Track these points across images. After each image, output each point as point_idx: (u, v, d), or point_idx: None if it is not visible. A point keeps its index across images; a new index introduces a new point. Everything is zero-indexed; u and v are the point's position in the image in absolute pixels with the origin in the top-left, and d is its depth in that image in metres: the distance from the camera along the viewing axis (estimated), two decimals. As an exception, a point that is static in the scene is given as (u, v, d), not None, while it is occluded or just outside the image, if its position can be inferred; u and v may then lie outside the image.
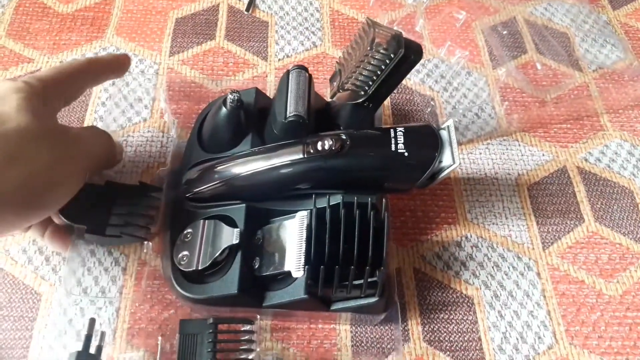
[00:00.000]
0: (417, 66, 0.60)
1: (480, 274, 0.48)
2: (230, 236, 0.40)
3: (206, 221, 0.42)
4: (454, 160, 0.40)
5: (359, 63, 0.39)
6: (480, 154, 0.55)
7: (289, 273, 0.39)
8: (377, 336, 0.45)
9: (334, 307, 0.40)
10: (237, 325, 0.41)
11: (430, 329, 0.45)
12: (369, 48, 0.38)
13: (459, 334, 0.45)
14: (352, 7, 0.66)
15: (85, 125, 0.54)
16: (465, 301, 0.47)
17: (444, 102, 0.58)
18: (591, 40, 0.66)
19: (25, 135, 0.35)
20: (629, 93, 0.61)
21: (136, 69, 0.58)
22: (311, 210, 0.40)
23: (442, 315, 0.46)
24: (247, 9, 0.65)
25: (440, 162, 0.41)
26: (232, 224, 0.42)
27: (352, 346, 0.44)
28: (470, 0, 0.67)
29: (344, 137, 0.41)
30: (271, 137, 0.44)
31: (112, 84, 0.57)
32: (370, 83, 0.40)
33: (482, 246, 0.50)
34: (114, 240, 0.46)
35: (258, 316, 0.42)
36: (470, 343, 0.45)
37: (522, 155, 0.56)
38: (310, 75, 0.45)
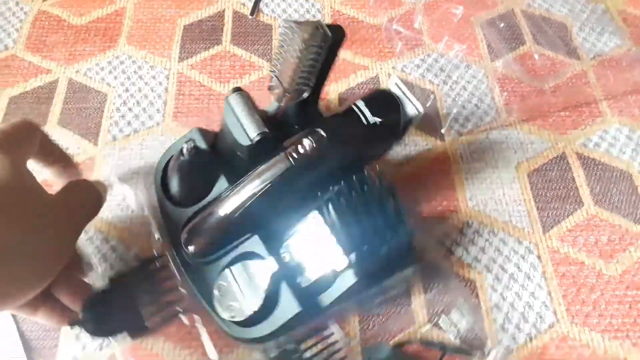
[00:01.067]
0: (417, 61, 0.63)
1: (482, 259, 0.50)
2: (267, 266, 0.41)
3: (232, 268, 0.42)
4: (417, 109, 0.45)
5: (295, 64, 0.40)
6: (481, 143, 0.57)
7: (332, 271, 0.41)
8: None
9: (384, 282, 0.43)
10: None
11: (435, 311, 0.47)
12: (302, 47, 0.39)
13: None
14: (353, 7, 0.69)
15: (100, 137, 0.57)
16: (468, 285, 0.49)
17: (444, 95, 0.60)
18: (589, 29, 0.67)
19: None
20: (627, 78, 0.62)
21: (147, 75, 0.61)
22: (320, 204, 0.41)
23: (446, 298, 0.48)
24: (252, 14, 0.67)
25: (407, 114, 0.44)
26: (255, 256, 0.42)
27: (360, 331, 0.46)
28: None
29: (317, 130, 0.42)
30: (242, 166, 0.43)
31: (126, 90, 0.60)
32: (312, 77, 0.41)
33: (483, 232, 0.52)
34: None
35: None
36: (474, 324, 0.47)
37: (522, 143, 0.58)
38: (248, 93, 0.45)
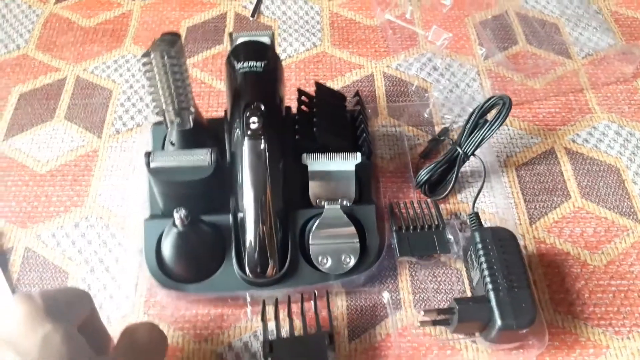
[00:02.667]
0: (411, 59, 0.65)
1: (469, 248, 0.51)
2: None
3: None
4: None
5: (171, 86, 0.42)
6: (470, 138, 0.59)
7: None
8: (370, 304, 0.48)
9: None
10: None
11: (420, 297, 0.49)
12: (160, 67, 0.40)
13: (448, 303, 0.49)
14: (351, 9, 0.71)
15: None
16: (454, 272, 0.50)
17: (438, 92, 0.62)
18: (581, 29, 0.69)
19: None
20: (617, 77, 0.63)
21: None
22: None
23: (432, 285, 0.49)
24: (252, 15, 0.70)
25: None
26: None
27: (348, 314, 0.48)
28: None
29: (253, 107, 0.45)
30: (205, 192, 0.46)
31: (130, 87, 0.63)
32: (186, 94, 0.43)
33: (469, 227, 0.53)
34: None
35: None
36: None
37: (512, 138, 0.59)
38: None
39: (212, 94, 0.63)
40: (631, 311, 0.48)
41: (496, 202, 0.54)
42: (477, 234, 0.45)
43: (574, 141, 0.59)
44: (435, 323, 0.44)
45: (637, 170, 0.56)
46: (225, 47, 0.67)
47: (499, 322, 0.40)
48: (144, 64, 0.41)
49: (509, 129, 0.60)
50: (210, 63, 0.65)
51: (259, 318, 0.44)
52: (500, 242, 0.43)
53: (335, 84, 0.63)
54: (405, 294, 0.49)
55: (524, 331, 0.40)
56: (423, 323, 0.44)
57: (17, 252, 0.52)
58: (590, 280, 0.50)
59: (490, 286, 0.41)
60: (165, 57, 0.40)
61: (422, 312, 0.43)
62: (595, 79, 0.63)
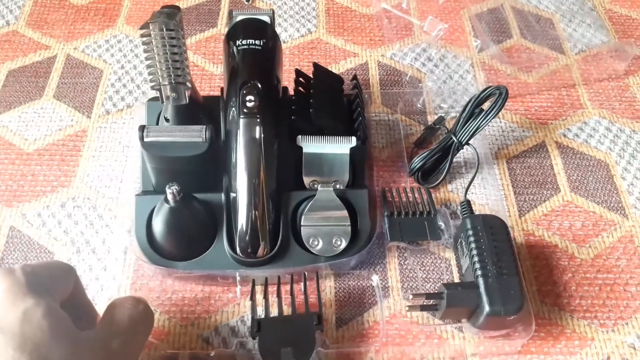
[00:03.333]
0: (405, 49, 0.64)
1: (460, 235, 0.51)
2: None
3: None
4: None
5: (163, 60, 0.41)
6: (463, 130, 0.59)
7: None
8: (358, 290, 0.48)
9: None
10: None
11: (408, 286, 0.49)
12: (158, 39, 0.40)
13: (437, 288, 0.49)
14: (346, -4, 0.71)
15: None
16: (443, 261, 0.50)
17: (432, 83, 0.62)
18: (575, 25, 0.69)
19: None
20: (609, 73, 0.64)
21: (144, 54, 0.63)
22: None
23: (420, 274, 0.49)
24: (247, 0, 0.69)
25: None
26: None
27: (336, 301, 0.48)
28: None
29: (250, 85, 0.45)
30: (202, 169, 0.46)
31: (121, 67, 0.62)
32: (184, 68, 0.42)
33: (460, 215, 0.53)
34: None
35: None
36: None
37: (503, 131, 0.59)
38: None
39: (204, 76, 0.62)
40: (616, 304, 0.48)
41: (487, 194, 0.54)
42: (468, 221, 0.45)
43: (564, 135, 0.59)
44: (423, 308, 0.44)
45: (626, 166, 0.57)
46: (220, 30, 0.66)
47: (487, 308, 0.40)
48: (142, 36, 0.40)
49: (501, 122, 0.60)
50: (203, 46, 0.65)
51: (248, 298, 0.43)
52: (491, 229, 0.43)
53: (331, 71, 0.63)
54: (394, 282, 0.49)
55: (512, 318, 0.40)
56: (411, 308, 0.44)
57: (2, 230, 0.51)
58: (577, 273, 0.50)
59: (479, 272, 0.41)
60: (164, 30, 0.40)
61: (410, 297, 0.43)
62: (587, 75, 0.64)
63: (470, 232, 0.44)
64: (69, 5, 0.68)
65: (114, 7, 0.68)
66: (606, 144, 0.59)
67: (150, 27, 0.40)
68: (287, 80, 0.54)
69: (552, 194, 0.55)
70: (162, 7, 0.41)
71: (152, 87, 0.43)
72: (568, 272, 0.50)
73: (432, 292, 0.46)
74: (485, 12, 0.69)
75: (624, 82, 0.64)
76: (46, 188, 0.53)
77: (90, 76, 0.61)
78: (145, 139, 0.44)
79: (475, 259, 0.42)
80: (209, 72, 0.62)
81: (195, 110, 0.47)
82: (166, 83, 0.43)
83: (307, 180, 0.48)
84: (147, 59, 0.42)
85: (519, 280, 0.41)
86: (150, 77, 0.43)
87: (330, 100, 0.51)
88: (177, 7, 0.41)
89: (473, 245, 0.43)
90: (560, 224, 0.53)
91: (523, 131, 0.59)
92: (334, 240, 0.45)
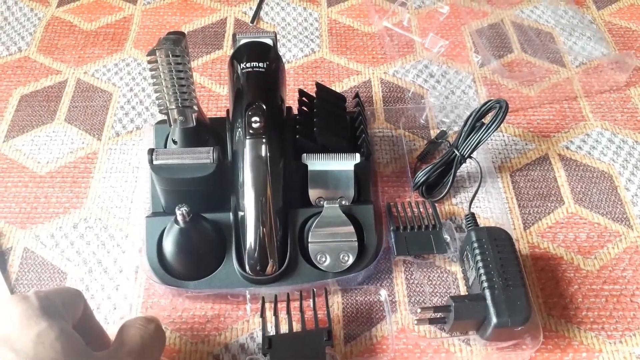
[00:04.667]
0: (407, 66, 0.66)
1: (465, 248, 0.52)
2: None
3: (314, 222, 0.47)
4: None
5: (170, 84, 0.43)
6: (466, 144, 0.59)
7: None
8: (366, 306, 0.49)
9: None
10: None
11: (415, 300, 0.49)
12: (164, 65, 0.41)
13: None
14: (349, 15, 0.72)
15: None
16: (450, 275, 0.51)
17: (434, 98, 0.63)
18: (575, 39, 0.70)
19: None
20: (610, 85, 0.64)
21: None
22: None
23: (427, 289, 0.50)
24: (252, 21, 0.71)
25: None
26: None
27: (344, 316, 0.48)
28: (460, 5, 0.72)
29: (255, 106, 0.46)
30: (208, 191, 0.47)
31: (130, 90, 0.63)
32: (190, 92, 0.44)
33: (465, 228, 0.53)
34: None
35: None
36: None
37: (506, 144, 0.60)
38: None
39: (211, 97, 0.63)
40: (623, 315, 0.49)
41: (491, 207, 0.55)
42: (473, 233, 0.45)
43: (567, 148, 0.60)
44: (431, 322, 0.44)
45: (630, 177, 0.57)
46: (225, 52, 0.68)
47: (494, 319, 0.40)
48: (150, 62, 0.41)
49: (503, 135, 0.61)
50: (209, 67, 0.66)
51: (258, 315, 0.44)
52: (495, 241, 0.44)
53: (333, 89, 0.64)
54: (401, 296, 0.49)
55: (519, 329, 0.41)
56: (420, 321, 0.44)
57: (16, 252, 0.52)
58: (583, 284, 0.51)
59: (486, 284, 0.42)
60: (170, 56, 0.41)
61: (418, 310, 0.43)
62: (588, 87, 0.64)
63: (476, 245, 0.44)
64: (79, 30, 0.70)
65: (122, 32, 0.69)
66: (609, 155, 0.59)
67: (157, 54, 0.41)
68: (292, 99, 0.55)
69: (557, 206, 0.56)
70: (167, 33, 0.43)
71: (160, 111, 0.44)
72: (574, 284, 0.51)
73: (439, 305, 0.46)
74: (486, 28, 0.71)
75: (625, 94, 0.64)
76: (59, 209, 0.54)
77: (100, 99, 0.63)
78: (155, 162, 0.45)
79: (481, 271, 0.42)
80: (215, 93, 0.64)
81: (202, 132, 0.48)
82: (173, 107, 0.44)
83: (313, 197, 0.48)
84: (154, 84, 0.43)
85: (525, 291, 0.42)
86: (158, 101, 0.44)
87: (333, 118, 0.52)
88: (183, 34, 0.43)
89: (479, 257, 0.43)
90: (565, 235, 0.54)
91: (526, 144, 0.60)
92: (341, 256, 0.45)
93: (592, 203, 0.56)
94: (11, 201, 0.55)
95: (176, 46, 0.41)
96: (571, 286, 0.51)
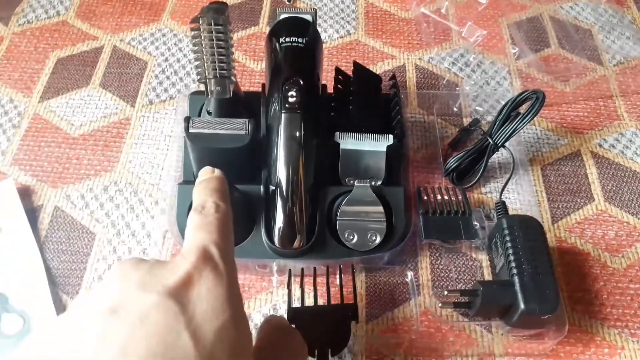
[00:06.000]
0: (443, 54, 0.65)
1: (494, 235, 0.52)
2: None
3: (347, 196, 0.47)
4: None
5: (210, 55, 0.43)
6: (498, 135, 0.59)
7: None
8: (389, 287, 0.49)
9: None
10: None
11: (439, 285, 0.49)
12: (206, 34, 0.42)
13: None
14: (386, 0, 0.72)
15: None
16: (476, 263, 0.51)
17: (469, 87, 0.63)
18: (614, 37, 0.69)
19: None
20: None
21: (187, 47, 0.65)
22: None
23: (452, 274, 0.50)
24: (289, 0, 0.71)
25: None
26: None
27: (367, 295, 0.48)
28: (499, -2, 0.72)
29: (292, 81, 0.46)
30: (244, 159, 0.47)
31: (165, 60, 0.64)
32: (229, 63, 0.44)
33: (494, 217, 0.53)
34: None
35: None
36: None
37: (539, 138, 0.59)
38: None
39: (245, 72, 0.64)
40: (648, 315, 0.48)
41: (520, 199, 0.55)
42: (504, 220, 0.45)
43: (600, 145, 0.59)
44: (456, 305, 0.44)
45: (663, 179, 0.57)
46: (261, 28, 0.68)
47: (522, 305, 0.40)
48: (192, 29, 0.42)
49: (536, 129, 0.60)
50: (245, 43, 0.66)
51: (283, 287, 0.44)
52: (526, 229, 0.44)
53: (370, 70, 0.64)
54: (425, 280, 0.49)
55: (546, 317, 0.41)
56: (444, 304, 0.44)
57: (46, 210, 0.53)
58: (609, 281, 0.50)
59: (515, 271, 0.41)
60: (213, 25, 0.41)
61: (445, 292, 0.43)
62: (625, 87, 0.64)
63: (507, 232, 0.44)
64: (117, -2, 0.70)
65: (159, 2, 0.70)
66: (643, 156, 0.58)
67: (200, 22, 0.41)
68: (325, 79, 0.55)
69: (586, 202, 0.55)
70: (210, 2, 0.43)
71: (199, 80, 0.45)
72: (600, 281, 0.50)
73: (466, 289, 0.46)
74: (524, 21, 0.70)
75: (662, 96, 0.63)
76: (90, 172, 0.55)
77: (135, 67, 0.63)
78: (190, 130, 0.45)
79: (511, 257, 0.42)
80: (249, 69, 0.64)
81: (237, 104, 0.48)
82: (211, 77, 0.44)
83: (343, 175, 0.48)
84: (194, 52, 0.43)
85: (554, 280, 0.42)
86: (197, 70, 0.44)
87: (369, 98, 0.52)
88: (225, 4, 0.43)
89: (509, 244, 0.43)
90: (593, 232, 0.53)
91: (558, 139, 0.59)
92: (369, 235, 0.45)
93: (622, 202, 0.55)
94: (44, 160, 0.56)
95: (219, 15, 0.41)
96: (597, 282, 0.50)
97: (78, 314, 0.26)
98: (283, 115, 0.45)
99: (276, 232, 0.44)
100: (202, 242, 0.29)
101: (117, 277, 0.27)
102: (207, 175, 0.35)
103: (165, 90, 0.61)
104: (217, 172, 0.36)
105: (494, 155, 0.54)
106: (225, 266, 0.28)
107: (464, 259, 0.51)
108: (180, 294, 0.25)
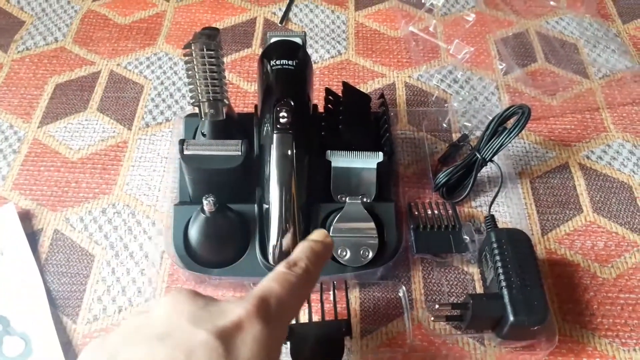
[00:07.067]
0: (432, 71, 0.67)
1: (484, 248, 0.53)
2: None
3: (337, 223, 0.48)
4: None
5: (202, 79, 0.44)
6: (487, 149, 0.60)
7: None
8: (383, 302, 0.50)
9: None
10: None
11: (432, 299, 0.50)
12: (198, 59, 0.43)
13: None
14: (375, 20, 0.73)
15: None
16: (467, 276, 0.51)
17: (457, 103, 0.64)
18: (600, 51, 0.70)
19: None
20: (633, 97, 0.65)
21: (182, 71, 0.66)
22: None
23: (444, 288, 0.51)
24: (281, 22, 0.73)
25: None
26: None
27: (361, 311, 0.49)
28: (486, 14, 0.73)
29: (283, 102, 0.47)
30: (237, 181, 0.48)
31: (161, 83, 0.65)
32: (221, 86, 0.46)
33: (484, 230, 0.54)
34: None
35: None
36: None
37: (527, 152, 0.61)
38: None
39: (239, 94, 0.65)
40: (639, 324, 0.49)
41: (510, 212, 0.56)
42: (492, 234, 0.46)
43: (588, 157, 0.60)
44: (448, 319, 0.45)
45: (650, 189, 0.58)
46: (254, 50, 0.69)
47: (511, 318, 0.41)
48: (185, 55, 0.43)
49: (524, 143, 0.61)
50: (238, 65, 0.68)
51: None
52: (515, 242, 0.45)
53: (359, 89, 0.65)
54: (418, 294, 0.50)
55: (535, 328, 0.41)
56: (437, 318, 0.45)
57: (46, 233, 0.54)
58: (599, 292, 0.51)
59: (504, 283, 0.42)
60: (205, 50, 0.43)
61: (436, 306, 0.44)
62: (611, 99, 0.65)
63: (495, 245, 0.45)
64: (113, 24, 0.72)
65: (154, 27, 0.72)
66: (629, 167, 0.60)
67: (192, 47, 0.43)
68: (317, 98, 0.57)
69: (575, 214, 0.56)
70: (202, 28, 0.44)
71: (192, 103, 0.46)
72: (590, 291, 0.51)
73: (457, 302, 0.47)
74: (511, 37, 0.72)
75: (647, 107, 0.65)
76: (88, 194, 0.56)
77: (132, 91, 0.65)
78: (185, 152, 0.46)
79: (500, 270, 0.43)
80: (243, 90, 0.65)
81: (230, 126, 0.50)
82: (205, 100, 0.46)
83: (335, 192, 0.50)
84: (188, 76, 0.45)
85: (543, 292, 0.43)
86: (191, 93, 0.46)
87: (359, 117, 0.53)
88: (217, 29, 0.44)
89: (497, 257, 0.44)
90: (582, 243, 0.54)
91: (546, 152, 0.61)
92: (361, 251, 0.46)
93: (610, 213, 0.56)
94: (43, 184, 0.57)
95: (211, 41, 0.43)
96: (587, 293, 0.51)
97: (129, 335, 0.27)
98: (275, 136, 0.46)
99: (270, 250, 0.46)
100: (267, 293, 0.30)
101: (171, 305, 0.28)
102: (319, 238, 0.37)
103: (162, 112, 0.63)
104: (329, 239, 0.37)
105: (484, 170, 0.55)
106: (276, 322, 0.29)
107: (456, 272, 0.52)
108: (228, 337, 0.26)
